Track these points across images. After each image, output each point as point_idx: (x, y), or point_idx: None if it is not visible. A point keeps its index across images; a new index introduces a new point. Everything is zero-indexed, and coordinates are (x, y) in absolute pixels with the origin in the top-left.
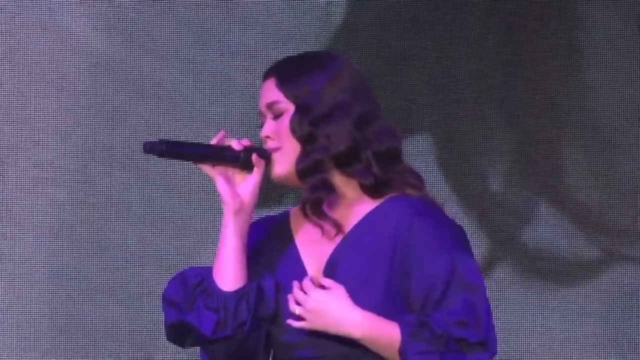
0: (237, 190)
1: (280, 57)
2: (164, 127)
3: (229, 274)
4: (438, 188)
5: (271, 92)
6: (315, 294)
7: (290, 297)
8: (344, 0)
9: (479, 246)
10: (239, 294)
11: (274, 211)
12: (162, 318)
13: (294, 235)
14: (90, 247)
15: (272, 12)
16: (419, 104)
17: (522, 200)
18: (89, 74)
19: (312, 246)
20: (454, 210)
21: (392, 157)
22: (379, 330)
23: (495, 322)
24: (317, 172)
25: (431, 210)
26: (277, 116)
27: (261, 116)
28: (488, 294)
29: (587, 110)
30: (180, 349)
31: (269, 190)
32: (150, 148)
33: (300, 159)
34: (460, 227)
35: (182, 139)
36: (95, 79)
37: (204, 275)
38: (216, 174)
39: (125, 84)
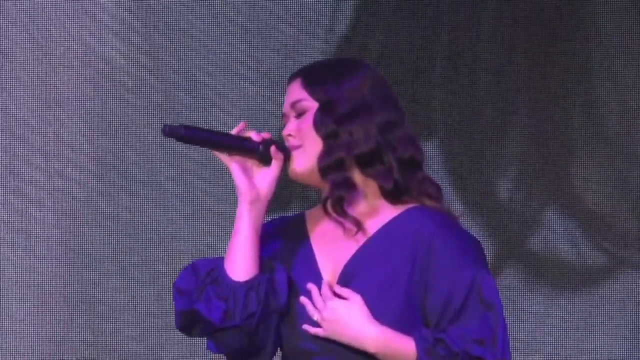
0: (254, 181)
1: (287, 62)
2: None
3: (240, 264)
4: (446, 194)
5: (296, 91)
6: (333, 304)
7: (307, 302)
8: (350, 3)
9: (485, 251)
10: (249, 284)
11: (281, 214)
12: (168, 310)
13: (309, 235)
14: (102, 239)
15: (278, 16)
16: (426, 110)
17: (530, 206)
18: (93, 82)
19: (328, 248)
20: (461, 215)
21: (414, 165)
22: (394, 346)
23: None
24: (340, 170)
25: (451, 224)
26: (300, 114)
27: (284, 118)
28: (504, 312)
29: (595, 118)
30: (186, 349)
31: (279, 191)
32: (170, 132)
33: (323, 156)
34: (479, 243)
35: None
36: (98, 85)
37: (215, 265)
38: (233, 163)
39: (130, 89)
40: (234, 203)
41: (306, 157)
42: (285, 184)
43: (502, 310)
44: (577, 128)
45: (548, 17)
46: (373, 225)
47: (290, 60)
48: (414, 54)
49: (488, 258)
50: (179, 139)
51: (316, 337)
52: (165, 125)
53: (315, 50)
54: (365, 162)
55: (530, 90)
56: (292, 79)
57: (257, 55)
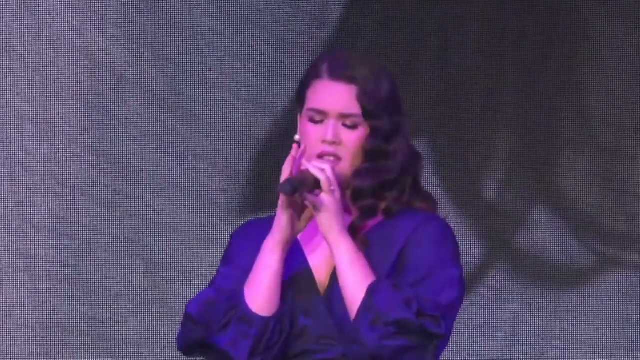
0: (295, 217)
1: (277, 56)
2: (165, 127)
3: (268, 299)
4: (434, 193)
5: (350, 101)
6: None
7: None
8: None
9: (473, 250)
10: (277, 318)
11: (269, 214)
12: (148, 317)
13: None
14: (87, 246)
15: (269, 11)
16: (414, 109)
17: (517, 204)
18: (91, 74)
19: (319, 248)
20: (449, 214)
21: (418, 182)
22: (360, 259)
23: (488, 325)
24: (373, 196)
25: (438, 219)
26: (350, 127)
27: (319, 114)
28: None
29: (583, 116)
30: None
31: (268, 190)
32: (290, 188)
33: (362, 177)
34: (455, 239)
35: (180, 137)
36: (96, 78)
37: (237, 301)
38: (287, 205)
39: (126, 83)
40: (218, 214)
41: (343, 170)
42: (276, 182)
43: (458, 298)
44: (565, 127)
45: (535, 15)
46: (364, 226)
47: (279, 58)
48: (401, 52)
49: (475, 255)
50: (292, 193)
51: (317, 337)
52: (281, 185)
53: (304, 46)
54: (385, 187)
55: (518, 89)
56: (343, 78)
57: (243, 52)
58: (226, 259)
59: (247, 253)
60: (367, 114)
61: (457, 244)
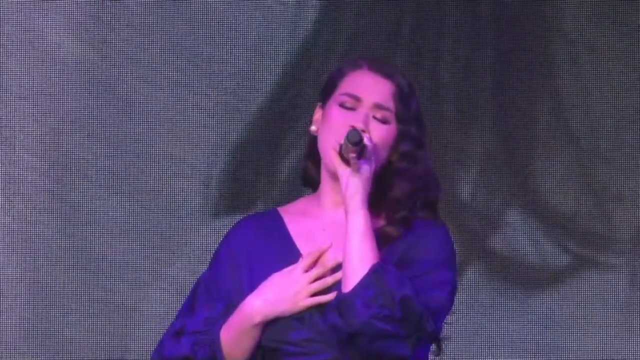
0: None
1: (250, 56)
2: (140, 137)
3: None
4: None
5: (386, 95)
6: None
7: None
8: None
9: None
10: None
11: (247, 212)
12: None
13: (292, 237)
14: (60, 255)
15: (249, 15)
16: None
17: (492, 205)
18: (66, 82)
19: (313, 244)
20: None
21: (434, 209)
22: (372, 234)
23: (463, 326)
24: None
25: (441, 225)
26: (380, 119)
27: (353, 99)
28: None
29: (558, 116)
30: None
31: (245, 190)
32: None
33: (404, 177)
34: (453, 245)
35: (157, 147)
36: (71, 87)
37: (213, 349)
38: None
39: (102, 92)
40: (195, 222)
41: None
42: (255, 181)
43: (449, 304)
44: (541, 127)
45: (512, 15)
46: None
47: (259, 57)
48: (378, 53)
49: None
50: (357, 143)
51: (303, 340)
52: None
53: (280, 49)
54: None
55: (494, 89)
56: (383, 73)
57: (228, 51)
58: (211, 266)
59: (245, 253)
60: (400, 116)
61: (455, 250)
